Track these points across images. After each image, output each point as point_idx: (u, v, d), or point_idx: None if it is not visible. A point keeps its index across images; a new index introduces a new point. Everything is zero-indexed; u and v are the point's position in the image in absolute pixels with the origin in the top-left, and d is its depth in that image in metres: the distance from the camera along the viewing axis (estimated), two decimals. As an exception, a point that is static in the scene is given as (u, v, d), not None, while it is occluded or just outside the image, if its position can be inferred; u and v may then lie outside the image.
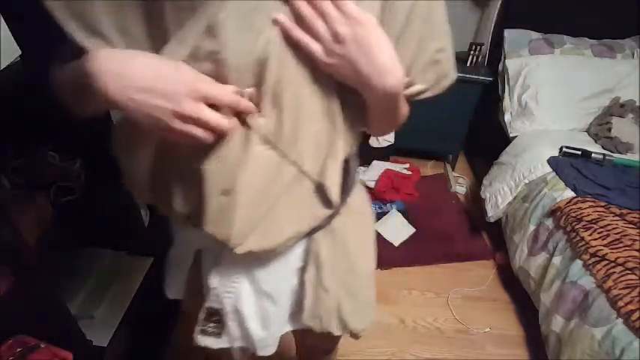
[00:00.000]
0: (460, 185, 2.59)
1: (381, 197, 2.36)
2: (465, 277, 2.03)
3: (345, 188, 0.73)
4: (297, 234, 0.69)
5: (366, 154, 2.53)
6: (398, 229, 2.19)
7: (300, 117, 0.60)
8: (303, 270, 0.78)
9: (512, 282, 1.93)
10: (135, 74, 0.52)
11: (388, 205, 2.35)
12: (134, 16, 0.54)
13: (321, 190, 0.66)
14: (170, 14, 0.53)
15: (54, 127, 1.11)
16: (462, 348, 1.73)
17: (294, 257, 0.77)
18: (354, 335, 0.88)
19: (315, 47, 0.55)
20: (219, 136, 0.56)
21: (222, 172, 0.59)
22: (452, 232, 2.23)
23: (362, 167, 2.57)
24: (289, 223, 0.67)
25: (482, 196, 2.11)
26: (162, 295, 1.65)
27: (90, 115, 0.61)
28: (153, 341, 1.59)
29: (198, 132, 0.53)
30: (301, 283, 0.79)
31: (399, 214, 2.27)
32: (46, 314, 0.95)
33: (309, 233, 0.74)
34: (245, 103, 0.56)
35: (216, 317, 0.80)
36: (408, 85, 0.66)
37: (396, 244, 2.13)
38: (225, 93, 0.54)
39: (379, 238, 2.16)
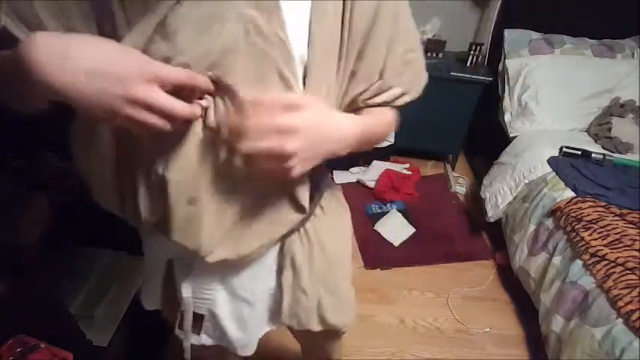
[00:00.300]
0: (460, 185, 2.59)
1: (381, 197, 2.36)
2: (465, 277, 2.03)
3: (316, 191, 0.71)
4: (270, 240, 0.68)
5: (366, 154, 2.53)
6: (398, 229, 2.19)
7: None
8: (279, 272, 0.77)
9: (512, 282, 1.93)
10: (81, 56, 0.45)
11: (388, 205, 2.35)
12: (80, 16, 0.50)
13: (291, 195, 0.65)
14: (120, 14, 0.50)
15: (54, 127, 1.11)
16: (462, 348, 1.73)
17: (269, 260, 0.76)
18: (337, 331, 0.88)
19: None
20: (181, 124, 0.51)
21: (186, 180, 0.57)
22: (452, 232, 2.24)
23: (362, 167, 2.58)
24: (261, 230, 0.65)
25: (482, 196, 2.11)
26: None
27: (32, 110, 0.55)
28: (153, 341, 1.59)
29: (154, 119, 0.47)
30: (278, 285, 0.78)
31: (399, 214, 2.27)
32: (46, 314, 0.95)
33: (283, 237, 0.72)
34: (202, 79, 0.51)
35: (192, 319, 0.80)
36: (385, 90, 0.66)
37: (396, 244, 2.13)
38: (180, 71, 0.49)
39: (379, 238, 2.16)
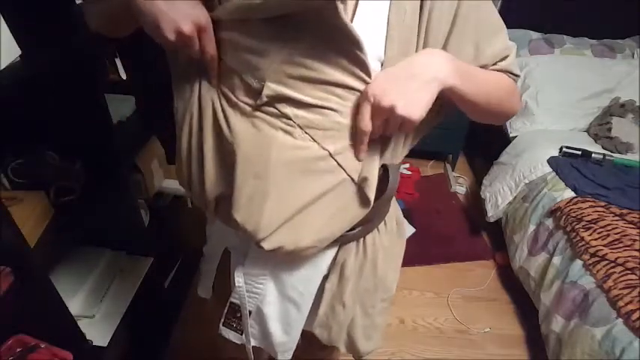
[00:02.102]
0: (460, 185, 2.59)
1: (381, 197, 2.36)
2: (465, 277, 2.03)
3: (385, 198, 0.70)
4: (330, 235, 0.66)
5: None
6: (398, 229, 2.19)
7: (345, 113, 0.60)
8: (325, 277, 0.76)
9: (512, 282, 1.93)
10: None
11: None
12: None
13: (359, 190, 0.64)
14: None
15: (54, 127, 1.11)
16: (462, 348, 1.73)
17: (323, 265, 0.75)
18: (359, 357, 0.87)
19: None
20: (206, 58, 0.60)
21: (254, 155, 0.59)
22: (452, 232, 2.24)
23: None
24: (322, 223, 0.64)
25: (482, 196, 2.11)
26: (163, 295, 1.67)
27: (122, 34, 0.67)
28: (153, 341, 1.59)
29: (196, 44, 0.58)
30: (320, 289, 0.77)
31: (399, 214, 2.27)
32: (46, 314, 0.95)
33: (342, 242, 0.72)
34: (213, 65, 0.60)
35: (239, 314, 0.79)
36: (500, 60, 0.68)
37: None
38: (212, 45, 0.59)
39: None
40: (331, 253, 0.74)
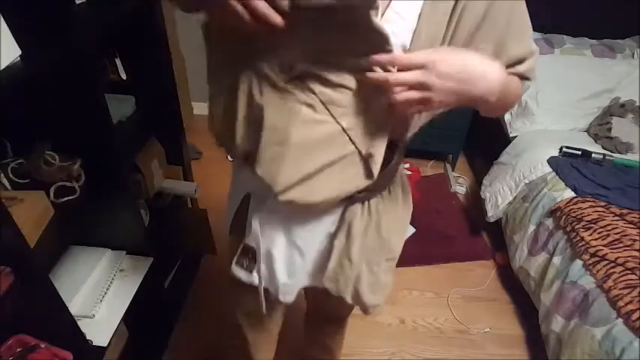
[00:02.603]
0: (460, 185, 2.60)
1: (381, 197, 2.36)
2: (465, 277, 2.03)
3: (388, 171, 0.79)
4: (337, 195, 0.74)
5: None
6: (398, 229, 2.19)
7: (364, 94, 0.65)
8: (334, 236, 0.84)
9: (512, 282, 1.93)
10: None
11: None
12: None
13: (365, 163, 0.71)
14: None
15: (54, 127, 1.11)
16: (462, 348, 1.73)
17: (329, 221, 0.83)
18: (365, 309, 0.94)
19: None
20: (267, 25, 0.56)
21: (279, 127, 0.67)
22: (452, 232, 2.24)
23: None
24: (331, 185, 0.73)
25: (482, 196, 2.11)
26: (163, 295, 1.66)
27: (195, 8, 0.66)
28: (153, 341, 1.59)
29: (245, 15, 0.55)
30: (329, 248, 0.85)
31: (399, 214, 2.27)
32: (46, 314, 0.95)
33: (348, 204, 0.80)
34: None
35: (251, 255, 0.88)
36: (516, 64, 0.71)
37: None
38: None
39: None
40: (337, 212, 0.82)
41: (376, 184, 0.75)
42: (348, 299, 0.90)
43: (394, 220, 0.89)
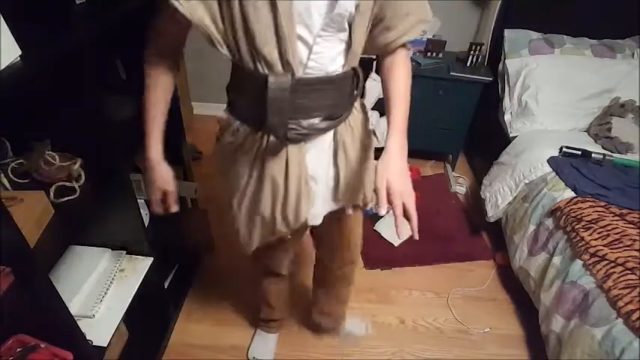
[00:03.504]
0: (460, 185, 2.60)
1: (381, 197, 2.36)
2: (465, 277, 2.03)
3: (358, 89, 0.99)
4: (333, 122, 0.95)
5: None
6: (398, 229, 2.19)
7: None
8: (335, 157, 1.01)
9: (512, 282, 1.93)
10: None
11: (388, 205, 2.35)
12: None
13: (350, 102, 0.99)
14: None
15: (54, 127, 1.11)
16: (462, 348, 1.73)
17: (327, 144, 0.99)
18: (365, 205, 1.14)
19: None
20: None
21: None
22: (452, 232, 2.24)
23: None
24: (328, 120, 0.94)
25: (482, 196, 2.11)
26: (163, 295, 1.66)
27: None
28: (153, 341, 1.59)
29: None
30: (336, 170, 1.02)
31: (399, 214, 2.27)
32: (46, 314, 0.95)
33: (336, 125, 0.96)
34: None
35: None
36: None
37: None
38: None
39: (379, 238, 2.16)
40: (329, 136, 0.98)
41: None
42: (360, 202, 1.10)
43: (362, 126, 1.06)
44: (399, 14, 0.88)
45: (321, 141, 0.97)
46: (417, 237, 0.86)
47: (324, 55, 0.84)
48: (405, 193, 0.87)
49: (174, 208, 1.07)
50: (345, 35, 0.85)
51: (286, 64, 0.81)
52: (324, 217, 1.10)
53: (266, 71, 0.82)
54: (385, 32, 0.90)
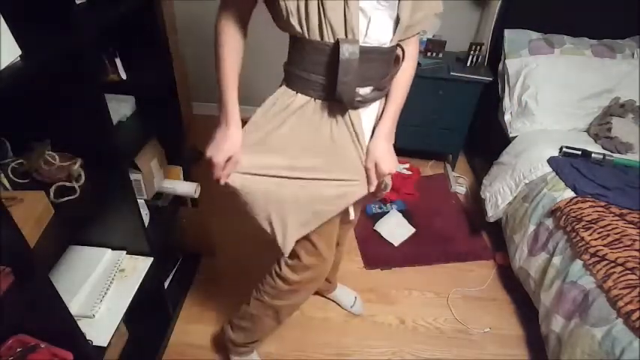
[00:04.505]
0: (460, 185, 2.60)
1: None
2: (465, 277, 2.03)
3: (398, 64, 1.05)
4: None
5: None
6: (398, 229, 2.19)
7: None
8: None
9: (512, 282, 1.93)
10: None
11: (388, 205, 2.35)
12: None
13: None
14: None
15: (54, 127, 1.11)
16: (462, 348, 1.73)
17: (374, 116, 1.08)
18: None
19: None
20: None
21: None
22: (452, 232, 2.24)
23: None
24: None
25: (482, 196, 2.11)
26: (163, 295, 1.66)
27: None
28: (153, 341, 1.59)
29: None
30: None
31: (399, 214, 2.27)
32: (46, 314, 0.95)
33: (381, 96, 1.05)
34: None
35: None
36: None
37: (396, 244, 2.13)
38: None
39: (379, 238, 2.16)
40: (376, 106, 1.08)
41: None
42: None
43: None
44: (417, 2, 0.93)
45: (372, 110, 1.05)
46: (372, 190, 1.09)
47: (380, 27, 0.91)
48: (390, 171, 1.06)
49: (225, 179, 1.05)
50: (394, 9, 0.91)
51: (350, 32, 0.87)
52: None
53: (332, 40, 0.88)
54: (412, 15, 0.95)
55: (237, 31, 0.96)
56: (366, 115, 1.04)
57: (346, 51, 0.86)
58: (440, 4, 0.99)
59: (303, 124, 1.00)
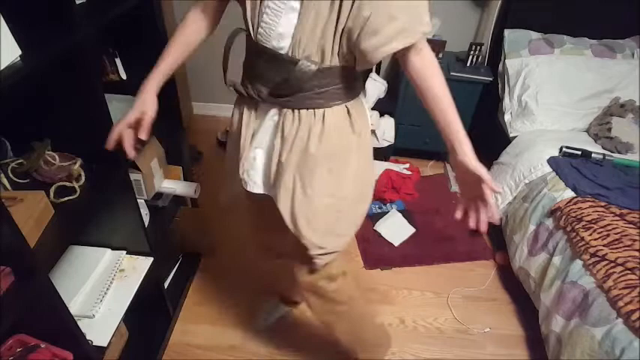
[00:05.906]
0: (460, 185, 2.59)
1: (381, 197, 2.36)
2: (465, 277, 2.03)
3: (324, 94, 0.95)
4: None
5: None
6: (398, 229, 2.19)
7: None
8: (274, 136, 0.98)
9: (512, 282, 1.93)
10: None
11: (388, 205, 2.35)
12: None
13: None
14: None
15: (54, 127, 1.11)
16: (462, 348, 1.73)
17: (270, 116, 0.98)
18: (306, 246, 1.03)
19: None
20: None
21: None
22: (452, 232, 2.23)
23: (362, 167, 2.58)
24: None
25: (483, 196, 2.11)
26: (163, 295, 1.66)
27: None
28: (153, 341, 1.59)
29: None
30: (271, 147, 0.99)
31: (399, 214, 2.27)
32: (46, 314, 0.95)
33: (281, 107, 0.94)
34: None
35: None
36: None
37: (396, 244, 2.13)
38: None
39: (379, 238, 2.16)
40: (274, 112, 0.97)
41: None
42: (287, 219, 1.01)
43: (326, 150, 0.96)
44: (382, 15, 0.78)
45: (271, 112, 0.98)
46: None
47: (271, 28, 0.86)
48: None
49: (131, 151, 0.99)
50: (294, 15, 0.82)
51: (249, 25, 0.90)
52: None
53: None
54: (370, 37, 0.80)
55: (200, 25, 1.01)
56: (268, 113, 0.99)
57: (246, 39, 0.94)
58: (421, 17, 0.90)
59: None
